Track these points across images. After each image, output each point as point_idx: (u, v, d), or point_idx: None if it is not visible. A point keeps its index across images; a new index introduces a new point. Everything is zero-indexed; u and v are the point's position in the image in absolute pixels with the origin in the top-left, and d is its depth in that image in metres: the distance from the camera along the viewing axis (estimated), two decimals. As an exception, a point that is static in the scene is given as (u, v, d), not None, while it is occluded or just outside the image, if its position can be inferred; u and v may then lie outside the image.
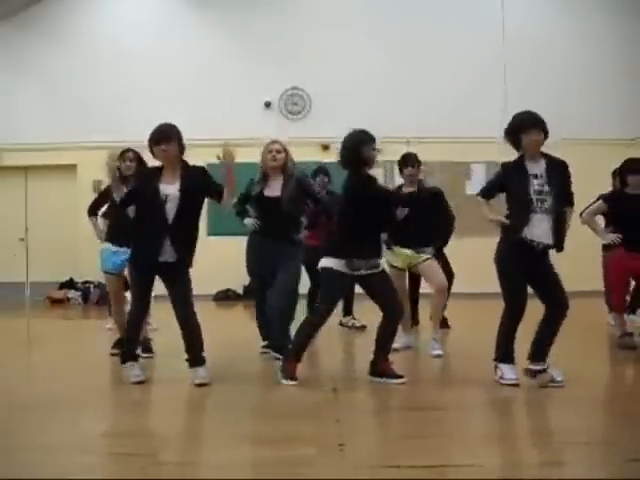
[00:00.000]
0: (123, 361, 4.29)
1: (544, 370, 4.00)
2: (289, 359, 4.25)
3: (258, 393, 4.12)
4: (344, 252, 4.14)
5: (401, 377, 4.17)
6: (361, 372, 4.34)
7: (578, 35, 10.15)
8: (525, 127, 4.05)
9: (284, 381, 4.15)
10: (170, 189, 4.12)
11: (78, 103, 9.96)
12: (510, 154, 4.17)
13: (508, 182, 4.14)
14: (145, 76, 9.98)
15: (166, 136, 4.13)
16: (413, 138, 9.49)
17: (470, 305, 8.02)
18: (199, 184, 4.19)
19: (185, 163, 4.28)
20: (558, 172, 4.04)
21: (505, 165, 4.22)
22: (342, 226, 4.25)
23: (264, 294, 4.99)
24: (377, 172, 9.77)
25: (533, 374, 4.02)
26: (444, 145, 9.51)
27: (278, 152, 5.08)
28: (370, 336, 5.55)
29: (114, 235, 5.08)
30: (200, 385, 4.11)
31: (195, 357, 4.23)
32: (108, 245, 5.10)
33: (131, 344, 4.32)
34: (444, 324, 6.33)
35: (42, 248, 10.28)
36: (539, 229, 3.99)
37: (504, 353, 4.09)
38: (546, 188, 3.99)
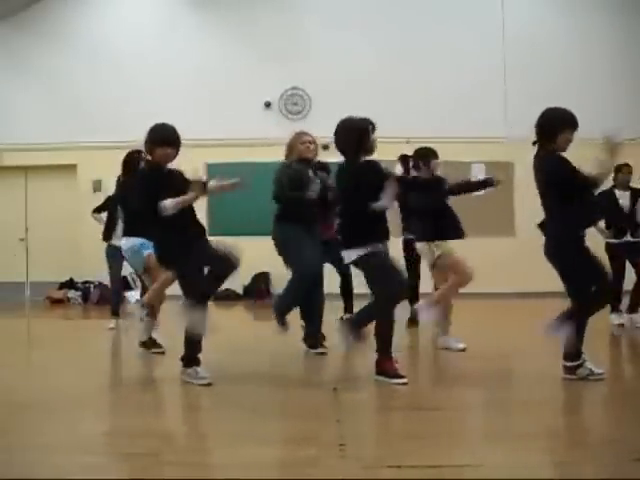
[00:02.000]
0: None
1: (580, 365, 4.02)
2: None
3: (258, 393, 4.11)
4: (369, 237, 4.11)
5: (401, 377, 4.08)
6: (361, 372, 4.33)
7: (578, 35, 10.15)
8: (565, 125, 3.96)
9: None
10: None
11: (78, 103, 9.96)
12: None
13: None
14: (145, 76, 9.98)
15: (174, 140, 4.10)
16: (413, 138, 9.49)
17: (470, 305, 8.00)
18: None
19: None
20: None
21: (559, 156, 4.04)
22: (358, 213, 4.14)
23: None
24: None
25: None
26: (444, 145, 9.46)
27: (311, 143, 5.13)
28: (370, 336, 5.56)
29: (131, 229, 5.29)
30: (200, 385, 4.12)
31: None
32: (126, 240, 5.21)
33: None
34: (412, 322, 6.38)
35: (42, 248, 10.27)
36: None
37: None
38: None
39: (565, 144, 3.99)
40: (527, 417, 3.47)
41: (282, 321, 4.88)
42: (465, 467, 2.68)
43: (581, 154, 4.03)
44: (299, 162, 5.05)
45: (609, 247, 6.47)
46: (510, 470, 2.63)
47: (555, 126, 3.97)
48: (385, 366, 4.09)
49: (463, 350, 5.23)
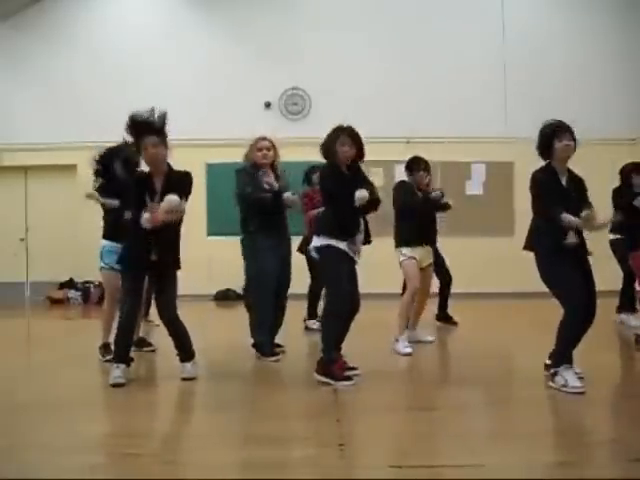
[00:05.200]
0: (113, 360, 4.28)
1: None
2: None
3: (258, 393, 4.12)
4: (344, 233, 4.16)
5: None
6: (361, 372, 4.32)
7: (578, 35, 10.14)
8: (557, 133, 3.95)
9: (340, 384, 4.06)
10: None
11: (78, 103, 9.94)
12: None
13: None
14: (145, 76, 9.96)
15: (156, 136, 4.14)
16: (413, 138, 9.49)
17: (470, 305, 8.01)
18: (181, 190, 4.18)
19: (169, 166, 4.27)
20: (578, 188, 3.98)
21: (540, 173, 4.03)
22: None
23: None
24: (377, 171, 9.84)
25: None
26: (444, 145, 9.50)
27: (268, 149, 5.07)
28: (370, 336, 5.57)
29: (112, 233, 5.07)
30: (185, 379, 4.22)
31: (182, 353, 4.34)
32: (107, 242, 5.11)
33: (122, 346, 4.27)
34: (450, 320, 6.66)
35: (42, 248, 10.26)
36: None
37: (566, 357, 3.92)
38: (573, 200, 3.93)
39: (563, 150, 3.94)
40: (527, 417, 3.47)
41: (263, 348, 4.97)
42: (465, 467, 2.68)
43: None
44: (252, 167, 5.06)
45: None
46: (510, 470, 2.63)
47: (547, 138, 3.98)
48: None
49: (431, 342, 5.56)
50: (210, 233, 9.66)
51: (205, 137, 9.38)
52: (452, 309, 6.73)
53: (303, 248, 6.21)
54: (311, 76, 9.99)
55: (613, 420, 3.48)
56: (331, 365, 4.13)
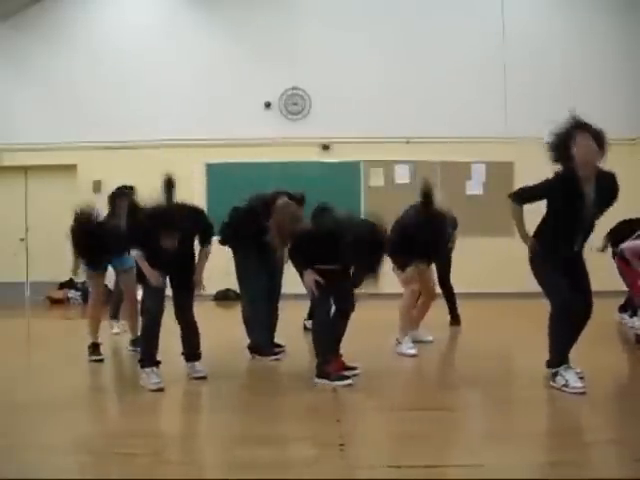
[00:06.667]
0: (142, 366, 4.22)
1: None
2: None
3: (258, 393, 4.12)
4: None
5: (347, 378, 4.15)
6: (361, 371, 4.32)
7: (578, 35, 10.14)
8: (574, 134, 3.64)
9: (335, 384, 4.09)
10: None
11: (78, 103, 9.94)
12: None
13: (557, 197, 3.83)
14: (145, 76, 9.96)
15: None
16: (413, 138, 9.49)
17: (470, 305, 8.01)
18: (193, 224, 4.39)
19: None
20: (607, 189, 3.75)
21: (557, 176, 3.82)
22: None
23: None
24: (377, 171, 9.83)
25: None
26: (444, 145, 9.50)
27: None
28: (370, 336, 5.57)
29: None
30: (197, 378, 4.25)
31: (193, 352, 4.40)
32: None
33: (150, 347, 4.26)
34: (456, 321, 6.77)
35: (42, 248, 10.25)
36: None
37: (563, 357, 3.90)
38: (592, 210, 3.79)
39: (584, 151, 3.66)
40: (527, 417, 3.47)
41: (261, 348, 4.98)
42: (465, 467, 2.68)
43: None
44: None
45: None
46: (510, 470, 2.63)
47: (563, 142, 3.73)
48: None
49: (431, 341, 5.60)
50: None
51: (205, 137, 9.38)
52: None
53: None
54: (311, 76, 9.99)
55: (614, 420, 3.48)
56: (326, 366, 4.15)
